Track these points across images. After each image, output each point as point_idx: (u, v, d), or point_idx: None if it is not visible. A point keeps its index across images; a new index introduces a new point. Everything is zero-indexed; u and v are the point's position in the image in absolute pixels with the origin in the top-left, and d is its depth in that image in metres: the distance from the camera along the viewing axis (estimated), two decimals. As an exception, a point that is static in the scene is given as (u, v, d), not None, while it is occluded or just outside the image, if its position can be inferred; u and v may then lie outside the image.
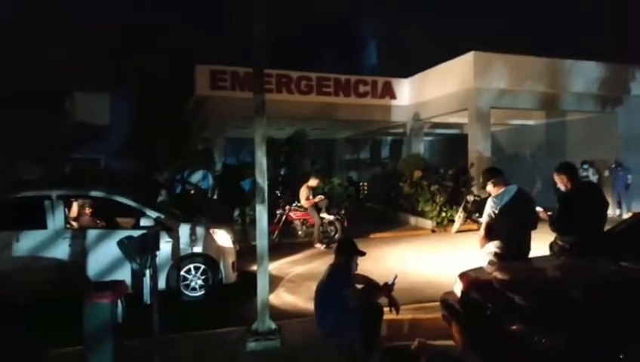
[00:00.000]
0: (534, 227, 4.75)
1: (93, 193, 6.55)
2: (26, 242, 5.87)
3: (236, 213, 11.61)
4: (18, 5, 13.59)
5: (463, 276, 4.25)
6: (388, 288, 4.28)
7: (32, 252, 5.86)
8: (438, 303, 4.70)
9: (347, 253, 4.20)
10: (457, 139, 19.21)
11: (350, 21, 28.15)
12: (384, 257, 9.06)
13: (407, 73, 17.52)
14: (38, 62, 14.71)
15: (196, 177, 11.94)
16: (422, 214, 12.93)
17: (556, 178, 4.97)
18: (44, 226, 5.97)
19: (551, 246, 4.95)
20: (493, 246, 4.69)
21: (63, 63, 16.03)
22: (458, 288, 4.18)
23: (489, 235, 4.73)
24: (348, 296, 4.01)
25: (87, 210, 6.82)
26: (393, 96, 17.34)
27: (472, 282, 4.10)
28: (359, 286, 4.34)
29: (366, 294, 4.29)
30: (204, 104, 15.36)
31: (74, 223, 6.58)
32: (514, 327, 3.32)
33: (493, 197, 4.75)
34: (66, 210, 6.37)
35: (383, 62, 27.29)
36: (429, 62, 16.03)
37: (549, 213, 4.88)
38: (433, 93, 15.97)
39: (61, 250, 5.97)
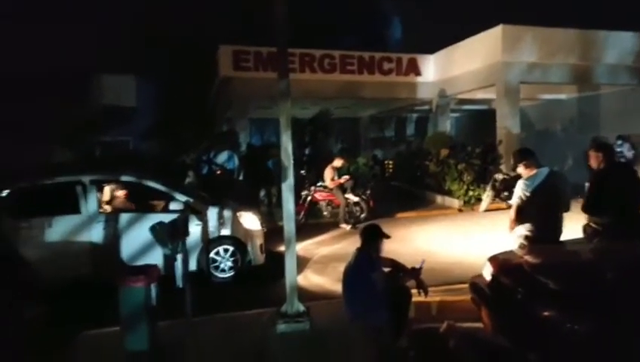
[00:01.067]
0: (567, 209, 4.63)
1: (124, 178, 6.71)
2: (61, 227, 6.06)
3: (262, 193, 11.71)
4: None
5: (492, 259, 4.19)
6: (416, 272, 4.27)
7: (66, 236, 6.06)
8: (466, 285, 4.67)
9: (373, 237, 4.19)
10: (485, 115, 18.77)
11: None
12: (411, 237, 9.03)
13: (431, 49, 17.10)
14: (67, 46, 14.94)
15: (222, 158, 12.06)
16: (449, 193, 12.78)
17: (591, 155, 4.81)
18: (77, 211, 6.14)
19: (584, 228, 4.83)
20: (523, 229, 4.61)
21: (90, 47, 16.26)
22: (487, 271, 4.13)
23: (519, 218, 4.64)
24: (375, 280, 4.03)
25: (119, 194, 6.99)
26: (418, 73, 16.98)
27: (502, 266, 4.05)
28: (386, 269, 4.35)
29: (393, 277, 4.30)
30: (228, 85, 15.40)
31: (106, 207, 6.75)
32: (545, 313, 3.27)
33: (525, 180, 4.63)
34: (99, 194, 6.54)
35: (407, 38, 26.66)
36: (454, 37, 15.60)
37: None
38: (459, 68, 15.58)
39: (95, 234, 6.15)
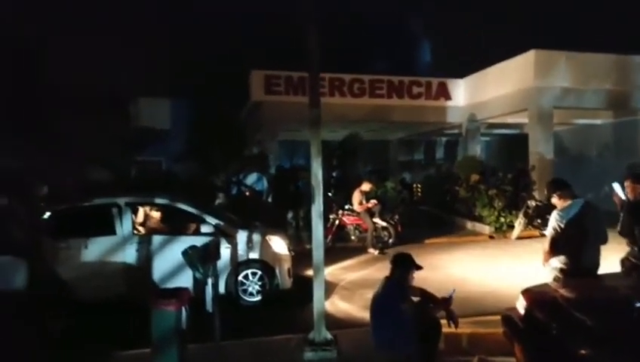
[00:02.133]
0: (604, 241, 4.49)
1: (158, 200, 6.89)
2: (97, 247, 6.25)
3: (289, 215, 11.79)
4: (86, 16, 14.50)
5: (526, 292, 4.09)
6: (446, 302, 4.20)
7: (101, 257, 6.24)
8: (498, 316, 4.55)
9: (404, 267, 4.16)
10: (516, 140, 18.45)
11: (402, 21, 27.76)
12: (440, 264, 8.88)
13: (461, 74, 17.09)
14: (105, 69, 15.61)
15: (251, 179, 12.27)
16: (479, 219, 12.54)
17: (627, 185, 4.67)
18: (113, 232, 6.34)
19: (622, 262, 4.67)
20: (558, 261, 4.48)
21: (126, 70, 16.95)
22: (521, 305, 4.03)
23: (554, 250, 4.52)
24: (404, 310, 3.98)
25: (153, 216, 7.17)
26: (448, 97, 16.94)
27: (536, 299, 3.94)
28: (415, 299, 4.29)
29: (423, 308, 4.23)
30: (259, 108, 15.73)
31: (140, 229, 6.94)
32: (581, 350, 3.16)
33: (559, 211, 4.53)
34: (133, 216, 6.73)
35: (436, 62, 26.70)
36: (484, 62, 15.58)
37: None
38: (490, 93, 15.45)
39: (128, 255, 6.32)
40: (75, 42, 14.84)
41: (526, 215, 11.15)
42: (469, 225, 13.06)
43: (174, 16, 19.92)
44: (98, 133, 14.56)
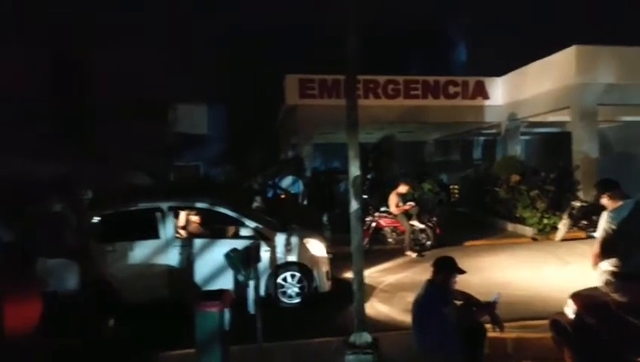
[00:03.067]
0: (659, 243, 4.26)
1: (199, 204, 7.06)
2: (141, 251, 6.45)
3: (325, 218, 11.80)
4: (125, 26, 15.04)
5: (575, 296, 3.95)
6: (490, 306, 4.10)
7: (146, 260, 6.44)
8: (544, 321, 4.42)
9: (446, 270, 4.09)
10: (558, 138, 17.82)
11: (437, 21, 27.35)
12: (481, 267, 8.67)
13: (499, 72, 16.69)
14: (145, 78, 16.12)
15: (286, 182, 12.37)
16: (521, 221, 12.18)
17: None
18: (156, 236, 6.53)
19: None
20: (609, 264, 4.28)
21: (165, 78, 17.45)
22: (570, 309, 3.89)
23: (604, 252, 4.33)
24: (447, 314, 3.91)
25: (194, 220, 7.34)
26: (486, 96, 16.58)
27: (586, 303, 3.81)
28: (458, 303, 4.21)
29: (466, 311, 4.15)
30: (294, 112, 15.87)
31: (182, 232, 7.12)
32: (637, 358, 3.02)
33: (610, 212, 4.33)
34: (175, 220, 6.92)
35: (473, 61, 26.15)
36: (523, 59, 15.17)
37: None
38: (530, 91, 15.02)
39: (171, 258, 6.50)
40: (116, 52, 15.44)
41: (570, 216, 10.76)
42: (510, 227, 12.71)
43: (209, 23, 20.36)
44: (139, 140, 15.10)
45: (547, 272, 8.30)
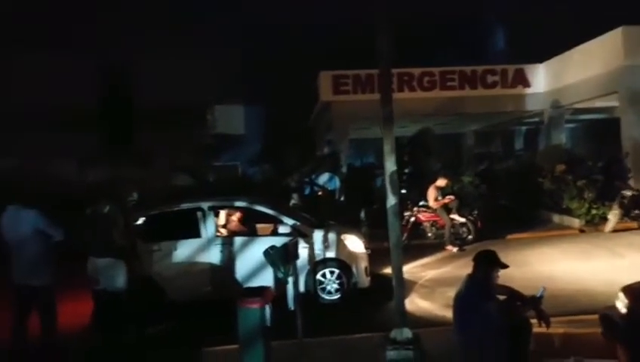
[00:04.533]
0: None
1: (238, 203, 7.20)
2: (185, 249, 6.64)
3: (362, 214, 11.74)
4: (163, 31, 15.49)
5: (628, 289, 3.78)
6: (536, 301, 3.97)
7: (189, 258, 6.62)
8: (594, 316, 4.25)
9: (487, 264, 3.98)
10: (606, 125, 17.02)
11: (473, 8, 26.62)
12: (526, 261, 8.41)
13: (539, 59, 16.09)
14: (184, 81, 16.58)
15: (323, 179, 12.41)
16: (567, 212, 11.73)
17: None
18: (198, 235, 6.70)
19: None
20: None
21: (203, 80, 17.88)
22: (622, 303, 3.73)
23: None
24: (490, 310, 3.82)
25: (233, 219, 7.49)
26: (527, 84, 16.04)
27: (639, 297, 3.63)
28: (501, 298, 4.10)
29: (510, 307, 4.04)
30: (328, 108, 15.89)
31: (222, 231, 7.27)
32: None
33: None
34: (215, 219, 7.08)
35: (511, 48, 25.28)
36: (565, 44, 14.56)
37: None
38: (575, 76, 14.39)
39: (213, 256, 6.65)
40: (154, 57, 15.95)
41: (621, 206, 10.31)
42: (556, 218, 12.27)
43: (242, 23, 20.65)
44: (180, 142, 15.57)
45: (596, 265, 7.97)
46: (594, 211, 11.12)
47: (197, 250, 6.66)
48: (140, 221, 6.65)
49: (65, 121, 14.36)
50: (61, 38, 14.39)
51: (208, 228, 6.72)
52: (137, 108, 16.28)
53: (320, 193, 12.23)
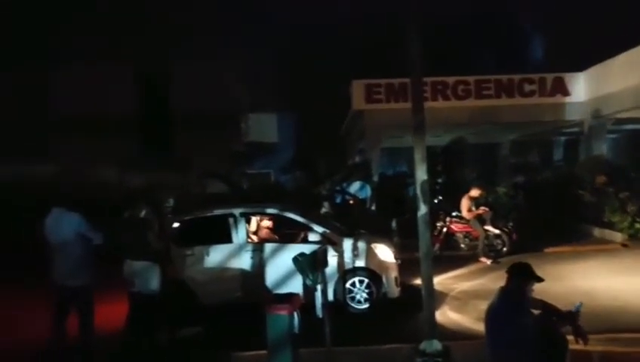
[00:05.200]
0: None
1: (269, 210, 7.28)
2: (217, 254, 6.76)
3: (393, 223, 11.63)
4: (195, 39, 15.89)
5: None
6: (572, 316, 3.83)
7: (220, 263, 6.74)
8: (635, 334, 4.06)
9: (522, 277, 3.87)
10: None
11: (509, 16, 26.12)
12: (563, 275, 8.12)
13: (579, 67, 15.60)
14: (218, 88, 16.94)
15: (354, 187, 12.38)
16: (608, 225, 11.28)
17: None
18: (229, 240, 6.81)
19: None
20: None
21: (236, 89, 18.22)
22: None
23: None
24: (523, 324, 3.71)
25: (264, 225, 7.57)
26: (566, 93, 15.55)
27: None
28: (536, 312, 3.97)
29: (546, 322, 3.90)
30: (361, 117, 15.88)
31: (253, 237, 7.36)
32: None
33: None
34: (247, 225, 7.18)
35: (550, 57, 24.63)
36: (606, 51, 14.07)
37: None
38: (618, 84, 13.84)
39: (244, 262, 6.74)
40: (189, 65, 16.42)
41: (668, 220, 9.81)
42: (597, 232, 11.81)
43: (277, 31, 20.95)
44: (215, 150, 15.91)
45: (638, 281, 7.60)
46: (637, 225, 10.65)
47: (228, 256, 6.77)
48: (175, 226, 6.82)
49: (105, 128, 14.94)
50: (99, 47, 15.00)
51: (240, 234, 6.83)
52: (174, 116, 16.77)
53: (351, 202, 12.20)
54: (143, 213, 5.45)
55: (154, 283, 5.28)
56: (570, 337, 3.89)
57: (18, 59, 14.46)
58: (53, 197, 5.10)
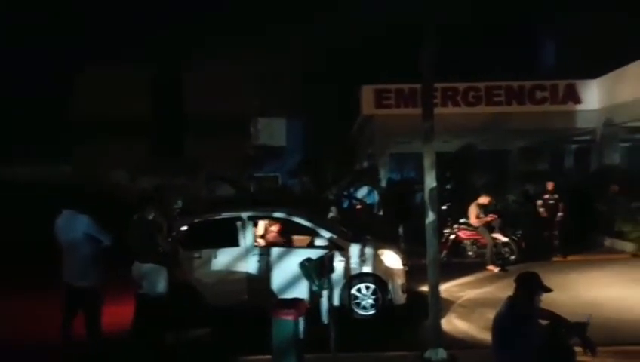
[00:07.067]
0: None
1: (276, 214, 7.29)
2: (224, 258, 6.77)
3: (401, 229, 11.59)
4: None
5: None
6: (581, 328, 3.78)
7: (227, 266, 6.75)
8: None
9: (529, 287, 3.84)
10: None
11: (520, 21, 25.95)
12: (572, 285, 8.02)
13: (591, 75, 15.47)
14: (228, 92, 17.02)
15: (361, 192, 12.38)
16: (619, 235, 11.16)
17: None
18: (237, 244, 6.83)
19: None
20: None
21: (247, 92, 18.29)
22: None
23: None
24: (530, 335, 3.67)
25: (272, 229, 7.58)
26: (578, 101, 15.43)
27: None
28: (544, 323, 3.93)
29: (553, 333, 3.86)
30: (370, 122, 15.87)
31: (260, 241, 7.37)
32: None
33: None
34: (254, 229, 7.19)
35: (561, 64, 24.42)
36: (618, 59, 13.93)
37: None
38: (632, 92, 13.67)
39: (250, 265, 6.75)
40: (199, 68, 16.55)
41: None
42: (608, 241, 11.69)
43: (287, 36, 21.01)
44: (224, 153, 15.99)
45: (650, 293, 7.49)
46: (649, 236, 10.52)
47: (235, 259, 6.78)
48: (183, 228, 6.85)
49: (118, 131, 15.10)
50: (113, 50, 15.19)
51: (246, 238, 6.84)
52: (186, 119, 16.90)
53: (358, 207, 12.19)
54: (151, 216, 5.48)
55: (161, 285, 5.30)
56: (578, 349, 3.85)
57: (40, 62, 14.76)
58: (62, 199, 5.15)
